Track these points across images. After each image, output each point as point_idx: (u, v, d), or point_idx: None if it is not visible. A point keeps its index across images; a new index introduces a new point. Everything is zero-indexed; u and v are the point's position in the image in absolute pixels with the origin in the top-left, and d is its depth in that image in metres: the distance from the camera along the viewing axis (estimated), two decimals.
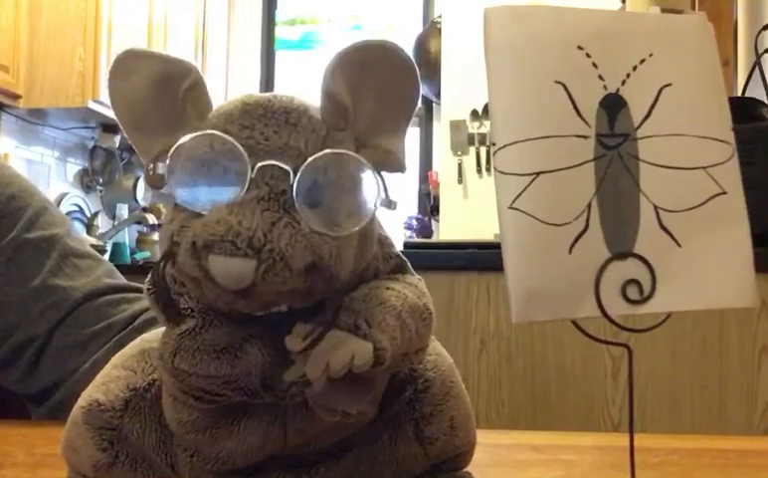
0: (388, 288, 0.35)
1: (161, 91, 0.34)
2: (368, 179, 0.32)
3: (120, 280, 0.80)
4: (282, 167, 0.31)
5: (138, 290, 0.79)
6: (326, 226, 0.31)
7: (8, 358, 0.74)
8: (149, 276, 0.36)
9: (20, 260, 0.75)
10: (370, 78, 0.34)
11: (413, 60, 0.34)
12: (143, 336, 0.42)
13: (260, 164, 0.31)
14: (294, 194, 0.31)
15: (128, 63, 0.35)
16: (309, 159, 0.31)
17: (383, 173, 0.34)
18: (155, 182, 0.34)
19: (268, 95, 0.34)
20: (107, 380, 0.39)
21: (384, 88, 0.34)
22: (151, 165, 0.34)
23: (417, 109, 0.36)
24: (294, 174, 0.31)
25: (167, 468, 0.38)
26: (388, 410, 0.38)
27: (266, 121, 0.33)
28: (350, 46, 0.34)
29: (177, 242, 0.31)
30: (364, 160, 0.32)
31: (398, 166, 0.35)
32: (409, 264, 0.39)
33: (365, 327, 0.32)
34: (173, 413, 0.36)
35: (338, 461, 0.37)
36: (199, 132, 0.32)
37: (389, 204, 0.34)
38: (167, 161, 0.32)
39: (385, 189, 0.33)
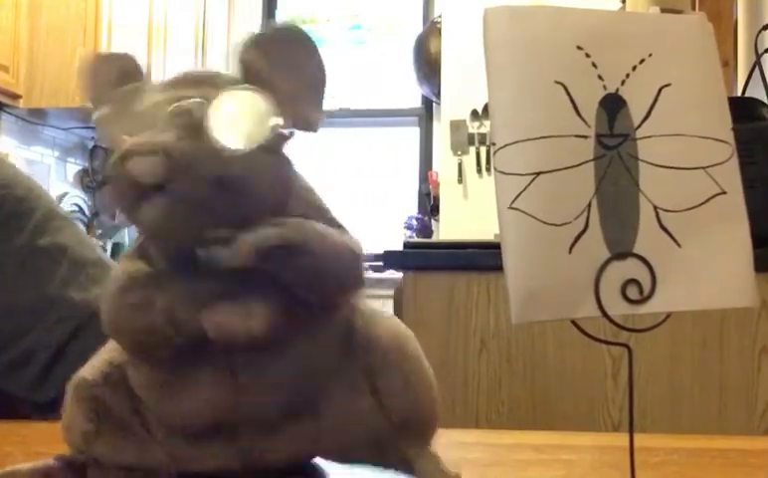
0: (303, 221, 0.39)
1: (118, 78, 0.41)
2: (267, 110, 0.37)
3: None
4: (196, 101, 0.37)
5: None
6: (226, 140, 0.36)
7: (18, 363, 0.74)
8: None
9: (33, 267, 0.76)
10: (285, 53, 0.40)
11: (313, 40, 0.41)
12: None
13: (176, 104, 0.37)
14: (205, 120, 0.36)
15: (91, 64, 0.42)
16: (220, 93, 0.37)
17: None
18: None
19: (198, 69, 0.40)
20: (93, 361, 0.44)
21: (292, 64, 0.40)
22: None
23: (326, 86, 0.42)
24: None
25: (145, 432, 0.41)
26: (341, 370, 0.41)
27: (189, 82, 0.39)
28: (267, 29, 0.40)
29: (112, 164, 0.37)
30: (264, 93, 0.38)
31: (312, 127, 0.40)
32: (344, 227, 0.42)
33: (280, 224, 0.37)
34: (134, 377, 0.41)
35: (302, 422, 0.40)
36: (130, 87, 0.39)
37: (285, 136, 0.39)
38: (106, 113, 0.39)
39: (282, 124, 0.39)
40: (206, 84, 0.39)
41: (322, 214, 0.41)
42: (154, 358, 0.39)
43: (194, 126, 0.36)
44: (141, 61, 0.42)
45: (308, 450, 0.42)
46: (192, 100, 0.37)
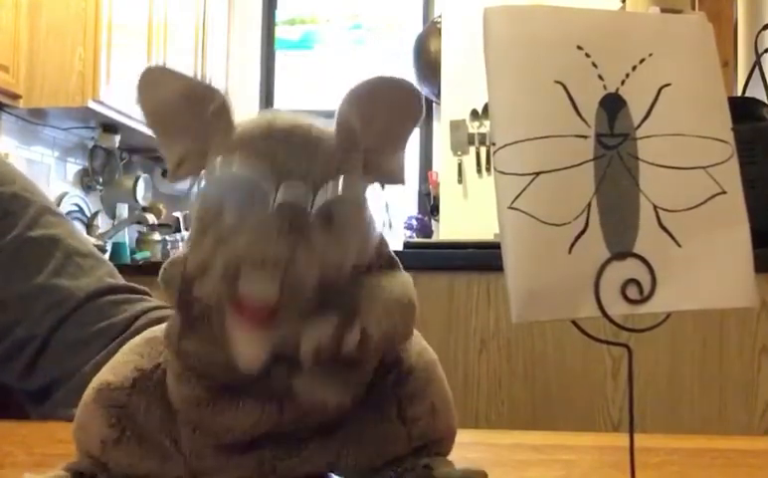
0: (378, 282, 0.39)
1: (187, 106, 0.38)
2: (374, 205, 0.37)
3: (121, 281, 0.80)
4: (301, 193, 0.35)
5: (139, 291, 0.80)
6: (335, 248, 0.35)
7: (9, 354, 0.74)
8: (164, 265, 0.39)
9: (22, 257, 0.76)
10: (381, 107, 0.38)
11: (420, 92, 0.39)
12: (151, 328, 0.44)
13: (282, 191, 0.35)
14: (311, 217, 0.35)
15: (157, 76, 0.39)
16: (326, 186, 0.36)
17: (385, 186, 0.40)
18: (177, 179, 0.39)
19: (288, 121, 0.38)
20: (116, 364, 0.42)
21: (392, 115, 0.39)
22: (175, 167, 0.39)
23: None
24: (312, 198, 0.35)
25: (170, 444, 0.40)
26: (373, 392, 0.41)
27: (286, 149, 0.37)
28: (366, 81, 0.38)
29: (209, 263, 0.35)
30: (371, 190, 0.37)
31: (399, 181, 0.40)
32: (399, 262, 0.42)
33: (353, 313, 0.36)
34: (176, 389, 0.39)
35: (328, 439, 0.40)
36: (228, 160, 0.36)
37: (389, 225, 0.39)
38: (197, 182, 0.37)
39: (387, 212, 0.39)
40: (301, 150, 0.37)
41: (383, 258, 0.40)
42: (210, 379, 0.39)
43: (302, 225, 0.35)
44: (215, 89, 0.38)
45: (329, 466, 0.41)
46: (300, 193, 0.35)
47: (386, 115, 0.38)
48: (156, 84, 0.38)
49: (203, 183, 0.36)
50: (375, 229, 0.38)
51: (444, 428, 0.43)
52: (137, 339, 0.43)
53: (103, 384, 0.41)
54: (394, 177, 0.40)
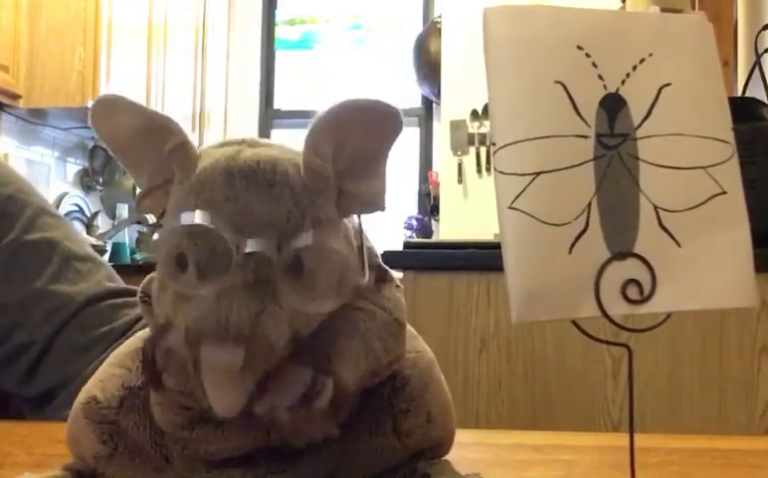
0: (356, 308, 0.37)
1: (144, 141, 0.36)
2: (346, 260, 0.35)
3: (120, 284, 0.80)
4: (266, 245, 0.33)
5: None
6: (306, 301, 0.33)
7: (8, 359, 0.74)
8: (142, 284, 0.38)
9: (20, 261, 0.75)
10: (354, 132, 0.36)
11: (398, 109, 0.36)
12: (138, 334, 0.43)
13: (246, 251, 0.33)
14: (279, 270, 0.33)
15: (110, 106, 0.36)
16: (292, 242, 0.33)
17: (363, 217, 0.38)
18: (143, 209, 0.37)
19: (251, 160, 0.35)
20: (104, 378, 0.41)
21: (367, 138, 0.36)
22: (142, 197, 0.37)
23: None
24: (278, 251, 0.33)
25: (162, 459, 0.40)
26: (367, 407, 0.40)
27: (249, 193, 0.34)
28: (335, 107, 0.35)
29: (171, 323, 0.34)
30: (343, 246, 0.35)
31: (380, 207, 0.37)
32: (390, 272, 0.40)
33: (327, 363, 0.35)
34: (159, 415, 0.39)
35: (321, 453, 0.39)
36: (185, 223, 0.34)
37: (364, 278, 0.36)
38: (154, 236, 0.34)
39: (363, 263, 0.36)
40: (265, 194, 0.34)
41: (372, 272, 0.39)
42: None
43: (267, 286, 0.33)
44: (173, 125, 0.35)
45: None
46: (264, 246, 0.33)
47: (359, 139, 0.36)
48: (111, 114, 0.36)
49: (163, 231, 0.33)
50: (351, 268, 0.35)
51: (441, 435, 0.43)
52: (127, 347, 0.43)
53: (91, 400, 0.41)
54: (373, 203, 0.37)
